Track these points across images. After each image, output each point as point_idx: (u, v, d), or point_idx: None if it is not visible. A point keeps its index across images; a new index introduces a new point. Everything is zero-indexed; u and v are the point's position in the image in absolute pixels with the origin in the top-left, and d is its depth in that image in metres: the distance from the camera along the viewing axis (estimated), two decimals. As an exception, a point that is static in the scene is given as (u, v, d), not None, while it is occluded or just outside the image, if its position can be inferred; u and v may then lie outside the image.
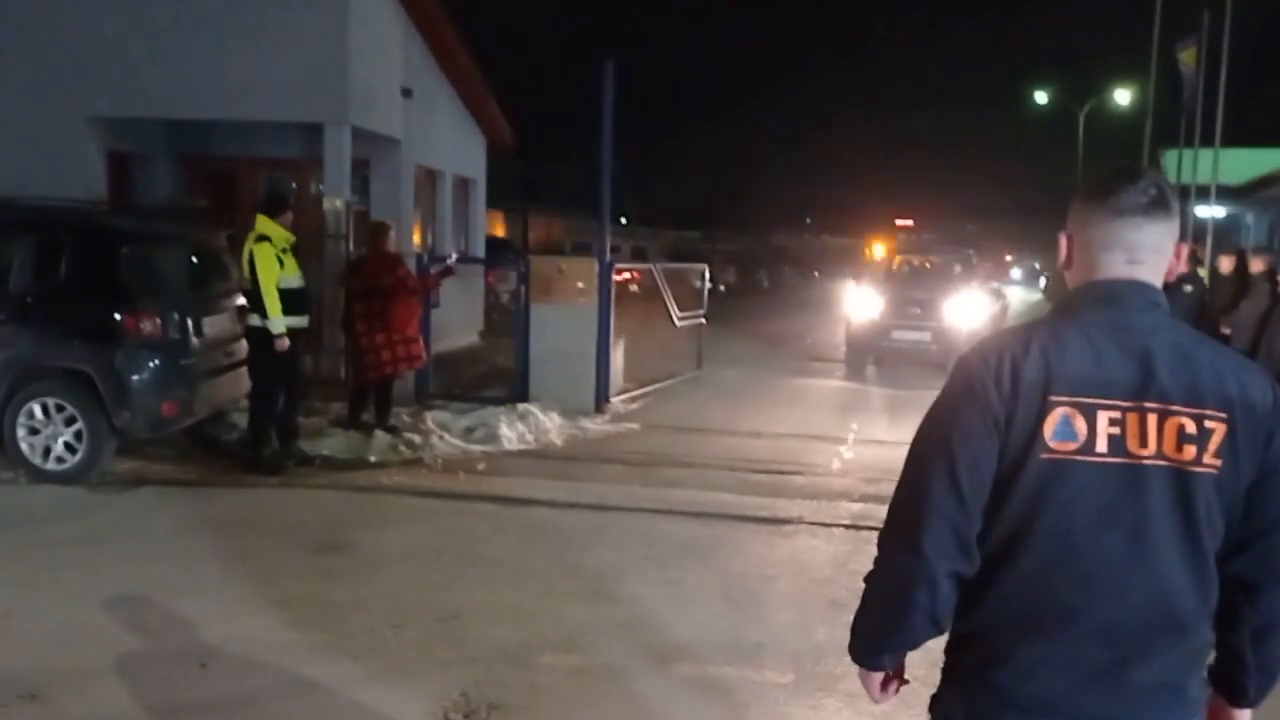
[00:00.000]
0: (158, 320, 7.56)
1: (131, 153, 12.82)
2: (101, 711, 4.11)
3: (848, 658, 2.08)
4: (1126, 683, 1.83)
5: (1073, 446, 1.81)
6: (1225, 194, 18.56)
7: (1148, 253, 1.90)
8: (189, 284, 8.31)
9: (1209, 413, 1.81)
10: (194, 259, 8.48)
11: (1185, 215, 15.41)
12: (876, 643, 2.00)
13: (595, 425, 10.23)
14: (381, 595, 5.45)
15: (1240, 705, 2.01)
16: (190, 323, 7.80)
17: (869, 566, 1.96)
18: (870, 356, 15.04)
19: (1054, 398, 1.81)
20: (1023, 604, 1.86)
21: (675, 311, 13.29)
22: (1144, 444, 1.81)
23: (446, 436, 9.17)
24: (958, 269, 17.30)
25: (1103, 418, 1.81)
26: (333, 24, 11.71)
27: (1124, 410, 1.81)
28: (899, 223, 68.26)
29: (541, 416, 9.89)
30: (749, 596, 5.63)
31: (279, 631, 4.91)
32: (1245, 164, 21.24)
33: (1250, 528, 1.89)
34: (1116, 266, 1.90)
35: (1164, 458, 1.81)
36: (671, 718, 4.19)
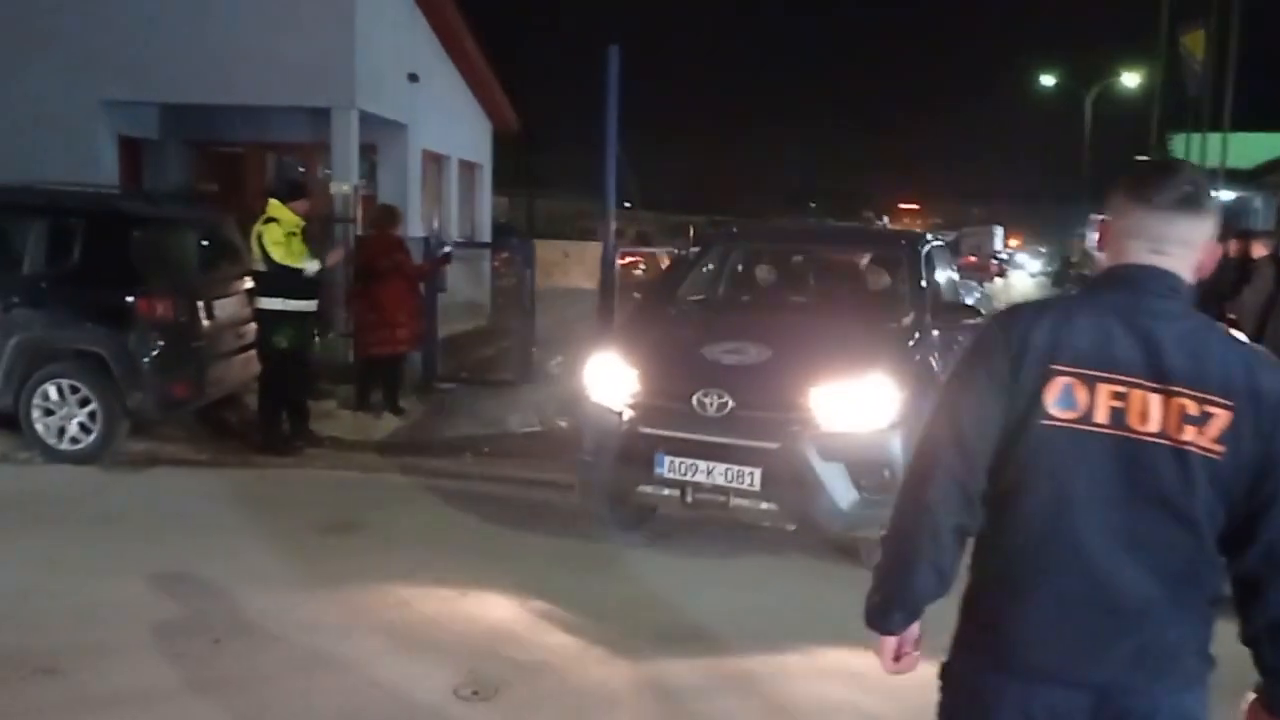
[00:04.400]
0: (169, 303, 7.63)
1: (142, 138, 12.90)
2: (117, 686, 4.17)
3: (863, 637, 2.14)
4: (1120, 649, 1.86)
5: (1072, 415, 1.87)
6: (1234, 178, 18.44)
7: (1174, 245, 1.95)
8: (200, 267, 8.39)
9: (1212, 398, 1.84)
10: (205, 242, 8.56)
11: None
12: (887, 600, 2.06)
13: (601, 408, 10.29)
14: (391, 574, 5.50)
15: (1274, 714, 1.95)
16: (201, 305, 7.88)
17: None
18: (618, 508, 6.11)
19: (1056, 366, 1.87)
20: (1018, 568, 1.91)
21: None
22: (1145, 420, 1.85)
23: (453, 418, 9.26)
24: (884, 282, 7.00)
25: (1104, 390, 1.86)
26: (341, 9, 11.75)
27: (1128, 386, 1.86)
28: (903, 206, 67.75)
29: (547, 398, 9.96)
30: (757, 575, 5.69)
31: (291, 610, 4.97)
32: (1255, 148, 21.06)
33: (1255, 522, 1.86)
34: (1140, 254, 1.96)
35: (1166, 437, 1.84)
36: (680, 697, 4.20)
